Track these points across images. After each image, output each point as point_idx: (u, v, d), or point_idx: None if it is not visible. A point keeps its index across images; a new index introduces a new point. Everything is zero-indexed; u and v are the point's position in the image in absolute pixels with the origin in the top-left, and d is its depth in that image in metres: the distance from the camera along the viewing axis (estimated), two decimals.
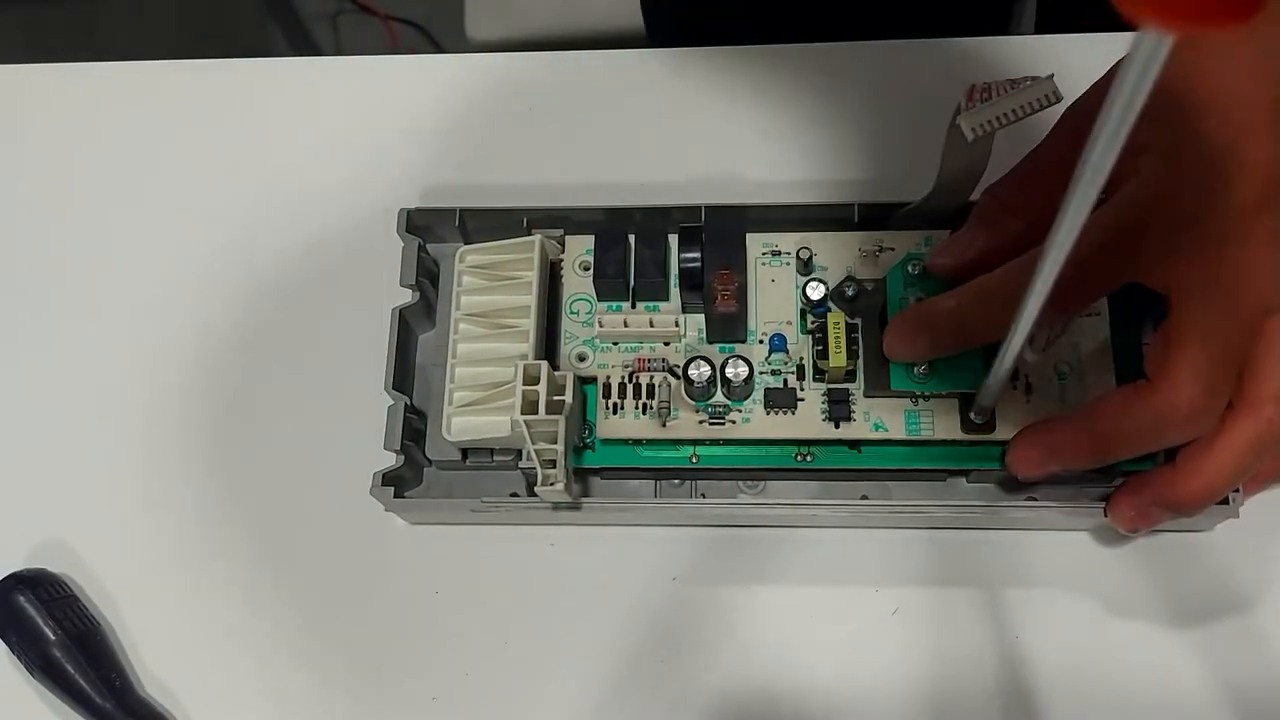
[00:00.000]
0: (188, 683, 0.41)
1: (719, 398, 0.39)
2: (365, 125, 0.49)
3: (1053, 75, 0.33)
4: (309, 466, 0.43)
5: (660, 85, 0.49)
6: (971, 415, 0.38)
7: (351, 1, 1.23)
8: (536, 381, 0.37)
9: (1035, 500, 0.40)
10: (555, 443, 0.37)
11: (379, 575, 0.42)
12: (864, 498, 0.40)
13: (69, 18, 1.24)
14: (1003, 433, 0.38)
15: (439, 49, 1.20)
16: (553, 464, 0.37)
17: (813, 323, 0.39)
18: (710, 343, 0.39)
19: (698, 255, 0.39)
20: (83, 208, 0.49)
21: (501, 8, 0.84)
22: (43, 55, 0.53)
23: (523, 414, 0.37)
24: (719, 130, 0.47)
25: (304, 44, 1.25)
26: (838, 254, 0.40)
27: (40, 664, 0.40)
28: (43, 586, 0.41)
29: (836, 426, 0.38)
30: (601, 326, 0.39)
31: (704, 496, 0.41)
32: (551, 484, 0.37)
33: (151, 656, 0.42)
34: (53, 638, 0.40)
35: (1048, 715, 0.39)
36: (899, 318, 0.37)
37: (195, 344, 0.46)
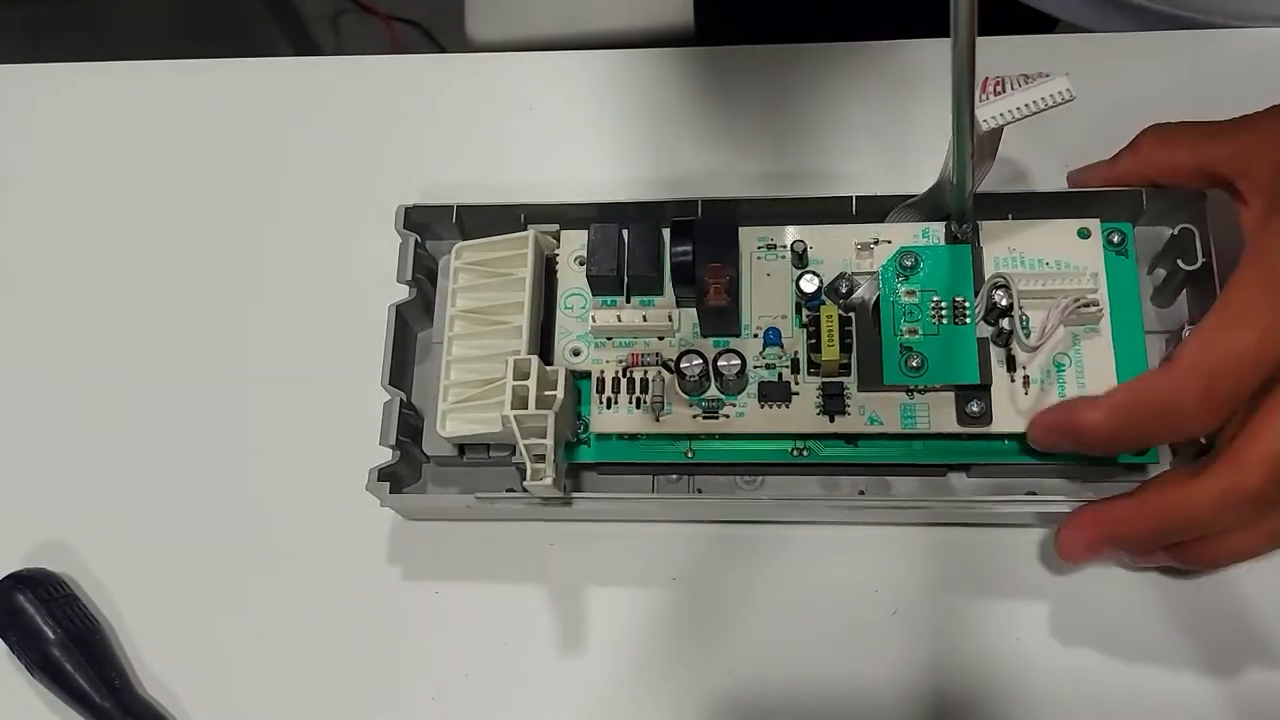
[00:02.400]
0: (188, 683, 0.41)
1: (712, 392, 0.38)
2: (365, 125, 0.49)
3: (1068, 74, 0.33)
4: (308, 464, 0.43)
5: (657, 85, 0.48)
6: (951, 227, 0.38)
7: (351, 1, 1.23)
8: (526, 377, 0.37)
9: (1035, 495, 0.40)
10: (545, 437, 0.37)
11: (378, 574, 0.42)
12: (861, 493, 0.40)
13: (69, 18, 1.25)
14: (1000, 425, 0.37)
15: (439, 49, 1.20)
16: (542, 459, 0.37)
17: (807, 316, 0.39)
18: (704, 337, 0.39)
19: (689, 249, 0.39)
20: (83, 207, 0.49)
21: (501, 8, 0.84)
22: (43, 55, 0.53)
23: (512, 409, 0.37)
24: (714, 126, 0.47)
25: (304, 44, 1.25)
26: (833, 247, 0.40)
27: (40, 663, 0.40)
28: (43, 586, 0.41)
29: (831, 420, 0.38)
30: (595, 321, 0.39)
31: (700, 492, 0.41)
32: (540, 479, 0.36)
33: (151, 656, 0.42)
34: (52, 637, 0.40)
35: (1048, 714, 0.39)
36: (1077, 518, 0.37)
37: (193, 342, 0.46)
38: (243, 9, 1.24)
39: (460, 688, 0.40)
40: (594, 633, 0.41)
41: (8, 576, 0.41)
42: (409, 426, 0.40)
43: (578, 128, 0.48)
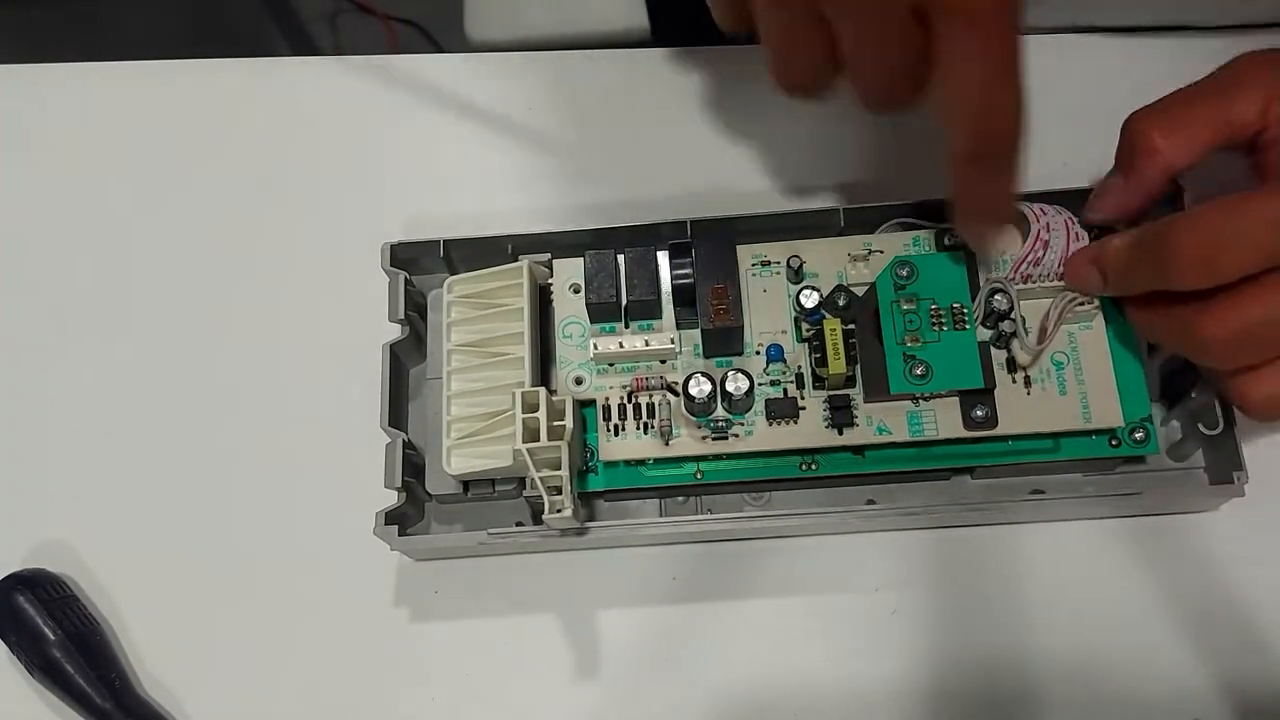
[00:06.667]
0: (188, 683, 0.42)
1: (720, 412, 0.38)
2: (363, 127, 0.49)
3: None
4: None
5: (657, 86, 0.48)
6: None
7: (351, 1, 1.22)
8: (536, 409, 0.37)
9: (1041, 493, 0.40)
10: (559, 469, 0.37)
11: (379, 577, 0.42)
12: (870, 502, 0.40)
13: (69, 18, 1.24)
14: (1005, 427, 0.38)
15: (438, 49, 1.20)
16: (558, 490, 0.37)
17: (808, 330, 0.39)
18: (707, 357, 0.39)
19: (689, 271, 0.39)
20: (83, 209, 0.49)
21: (501, 8, 0.83)
22: (43, 55, 0.53)
23: (524, 442, 0.37)
24: (700, 137, 0.47)
25: (304, 44, 1.24)
26: (826, 260, 0.40)
27: (40, 664, 0.40)
28: (43, 586, 0.41)
29: (840, 433, 0.38)
30: (596, 349, 0.39)
31: (710, 512, 0.41)
32: (559, 511, 0.36)
33: (151, 656, 0.42)
34: (53, 638, 0.40)
35: (1049, 713, 0.39)
36: (1080, 252, 0.37)
37: (192, 342, 0.46)
38: (241, 9, 1.24)
39: (460, 688, 0.41)
40: (596, 635, 0.41)
41: (8, 577, 0.41)
42: (411, 466, 0.40)
43: (577, 128, 0.48)
